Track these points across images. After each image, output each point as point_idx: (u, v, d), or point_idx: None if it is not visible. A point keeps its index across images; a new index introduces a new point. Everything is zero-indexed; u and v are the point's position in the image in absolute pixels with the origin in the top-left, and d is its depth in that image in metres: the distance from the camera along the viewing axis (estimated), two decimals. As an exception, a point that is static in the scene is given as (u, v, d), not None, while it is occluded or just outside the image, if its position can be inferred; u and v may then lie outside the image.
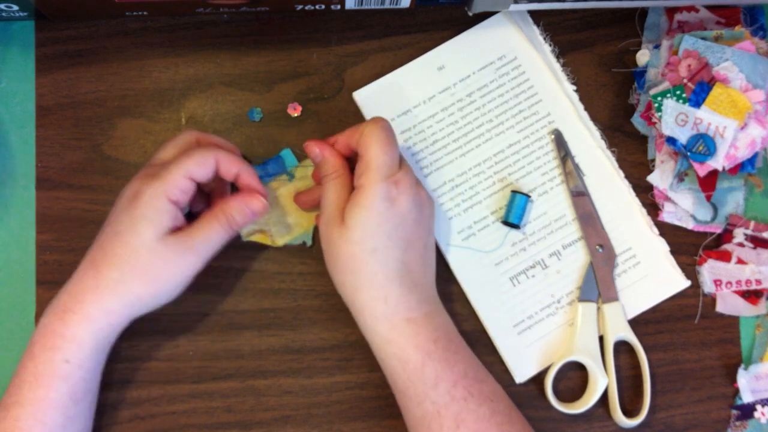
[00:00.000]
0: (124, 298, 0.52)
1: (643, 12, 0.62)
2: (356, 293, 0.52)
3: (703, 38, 0.57)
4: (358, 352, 0.58)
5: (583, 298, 0.58)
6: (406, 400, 0.52)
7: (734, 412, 0.58)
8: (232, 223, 0.54)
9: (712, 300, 0.59)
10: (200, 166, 0.52)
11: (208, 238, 0.53)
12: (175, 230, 0.52)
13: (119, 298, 0.51)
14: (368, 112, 0.61)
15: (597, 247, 0.59)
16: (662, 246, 0.59)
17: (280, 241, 0.59)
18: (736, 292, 0.59)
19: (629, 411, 0.57)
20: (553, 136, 0.60)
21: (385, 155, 0.52)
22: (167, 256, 0.51)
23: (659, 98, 0.57)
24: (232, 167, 0.54)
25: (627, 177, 0.60)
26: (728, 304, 0.59)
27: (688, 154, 0.57)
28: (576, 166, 0.60)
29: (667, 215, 0.60)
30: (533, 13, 0.62)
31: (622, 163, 0.61)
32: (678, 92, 0.56)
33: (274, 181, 0.59)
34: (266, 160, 0.60)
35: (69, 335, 0.51)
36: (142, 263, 0.51)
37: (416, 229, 0.53)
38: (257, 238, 0.59)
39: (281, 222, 0.59)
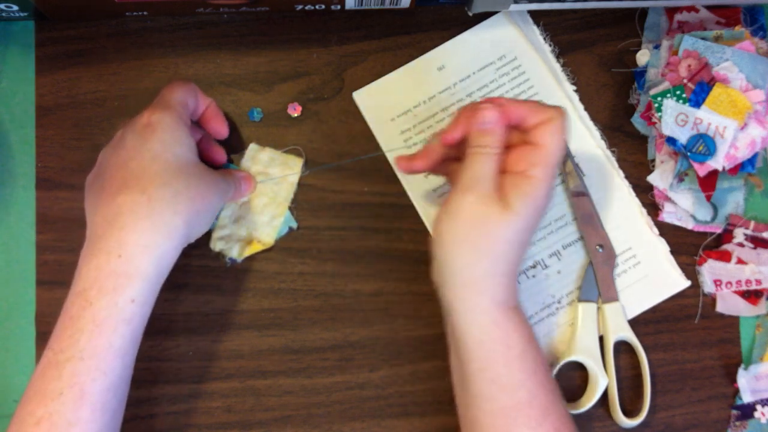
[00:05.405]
0: (182, 214, 0.50)
1: (643, 12, 0.62)
2: (487, 277, 0.50)
3: (703, 38, 0.57)
4: (358, 352, 0.58)
5: (583, 298, 0.58)
6: (495, 388, 0.49)
7: (734, 412, 0.58)
8: (237, 183, 0.57)
9: (712, 300, 0.59)
10: (189, 93, 0.55)
11: (224, 179, 0.55)
12: None
13: (177, 215, 0.49)
14: (368, 112, 0.61)
15: (597, 247, 0.59)
16: (662, 246, 0.59)
17: (270, 240, 0.59)
18: (736, 292, 0.59)
19: (629, 411, 0.57)
20: (553, 136, 0.60)
21: (561, 152, 0.51)
22: (205, 176, 0.52)
23: (659, 98, 0.57)
24: (206, 98, 0.57)
25: (627, 177, 0.60)
26: (728, 304, 0.59)
27: (688, 154, 0.57)
28: (576, 166, 0.60)
29: (667, 215, 0.60)
30: (533, 13, 0.62)
31: (622, 163, 0.61)
32: (678, 92, 0.56)
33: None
34: None
35: (133, 271, 0.48)
36: (191, 179, 0.51)
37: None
38: (250, 250, 0.59)
39: (258, 222, 0.59)
